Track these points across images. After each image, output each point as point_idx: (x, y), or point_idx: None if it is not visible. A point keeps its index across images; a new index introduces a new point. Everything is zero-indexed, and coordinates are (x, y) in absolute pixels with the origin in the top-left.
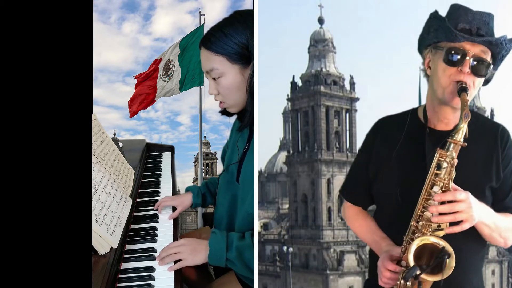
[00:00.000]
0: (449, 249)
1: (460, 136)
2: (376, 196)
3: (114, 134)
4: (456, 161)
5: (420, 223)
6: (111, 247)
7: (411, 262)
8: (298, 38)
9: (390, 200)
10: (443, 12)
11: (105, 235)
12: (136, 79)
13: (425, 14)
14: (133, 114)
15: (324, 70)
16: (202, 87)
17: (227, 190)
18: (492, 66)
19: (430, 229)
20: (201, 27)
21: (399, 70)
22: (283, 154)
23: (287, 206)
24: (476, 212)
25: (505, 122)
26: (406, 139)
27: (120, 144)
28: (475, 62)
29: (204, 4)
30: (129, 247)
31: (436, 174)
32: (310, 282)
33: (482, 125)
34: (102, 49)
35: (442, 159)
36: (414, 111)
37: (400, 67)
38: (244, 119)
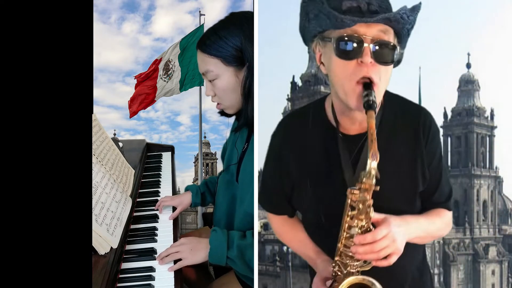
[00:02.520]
0: None
1: (371, 180)
2: (298, 209)
3: (114, 134)
4: (371, 201)
5: (344, 260)
6: (111, 247)
7: None
8: (298, 38)
9: (312, 217)
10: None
11: (105, 235)
12: (136, 79)
13: (424, 13)
14: (133, 114)
15: None
16: (202, 87)
17: (227, 190)
18: (398, 46)
19: (356, 267)
20: (201, 27)
21: (399, 70)
22: None
23: None
24: (401, 241)
25: (505, 122)
26: (316, 147)
27: (120, 144)
28: (376, 47)
29: (204, 4)
30: (129, 247)
31: (352, 216)
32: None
33: (403, 117)
34: (102, 49)
35: (355, 202)
36: (319, 106)
37: (400, 66)
38: (239, 120)
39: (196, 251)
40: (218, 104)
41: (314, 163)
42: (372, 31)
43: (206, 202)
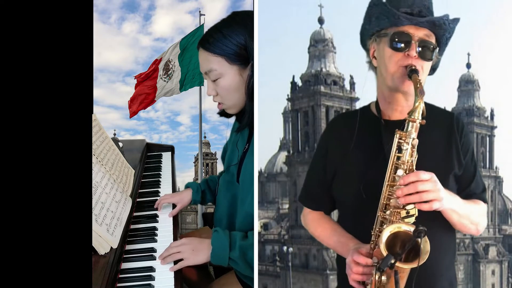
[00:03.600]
0: (424, 228)
1: (417, 115)
2: (338, 196)
3: (114, 134)
4: (417, 141)
5: (388, 211)
6: (111, 247)
7: (384, 251)
8: (298, 38)
9: (352, 198)
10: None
11: (105, 235)
12: (136, 79)
13: None
14: (133, 114)
15: (324, 70)
16: (202, 87)
17: (227, 190)
18: (437, 50)
19: (399, 217)
20: (201, 27)
21: None
22: (283, 154)
23: (287, 206)
24: (443, 192)
25: (505, 122)
26: (361, 135)
27: (120, 144)
28: (420, 48)
29: (204, 4)
30: (129, 247)
31: (398, 157)
32: (310, 282)
33: (436, 115)
34: (102, 49)
35: (403, 140)
36: (365, 106)
37: None
38: (242, 120)
39: (197, 251)
40: (219, 104)
41: (358, 146)
42: (419, 33)
43: (206, 200)
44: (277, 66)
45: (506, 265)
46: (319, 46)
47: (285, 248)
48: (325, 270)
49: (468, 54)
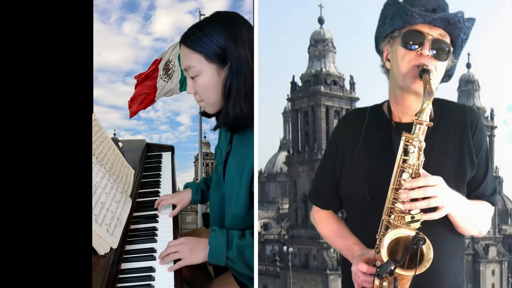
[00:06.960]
0: (423, 236)
1: (425, 116)
2: (344, 197)
3: (114, 134)
4: (423, 144)
5: (392, 216)
6: (111, 247)
7: (385, 257)
8: (298, 38)
9: (358, 200)
10: None
11: (105, 235)
12: (136, 79)
13: None
14: (133, 114)
15: (324, 70)
16: None
17: (217, 190)
18: (452, 51)
19: (403, 222)
20: None
21: None
22: (283, 154)
23: (287, 206)
24: (450, 198)
25: (505, 122)
26: (370, 134)
27: (120, 144)
28: (434, 51)
29: (204, 4)
30: (129, 247)
31: (404, 160)
32: (310, 282)
33: (448, 113)
34: (102, 49)
35: (409, 143)
36: (377, 106)
37: None
38: (218, 120)
39: (195, 251)
40: (199, 102)
41: (367, 147)
42: (433, 32)
43: (206, 199)
44: (277, 66)
45: (506, 265)
46: (319, 46)
47: (285, 248)
48: (325, 270)
49: (468, 54)
